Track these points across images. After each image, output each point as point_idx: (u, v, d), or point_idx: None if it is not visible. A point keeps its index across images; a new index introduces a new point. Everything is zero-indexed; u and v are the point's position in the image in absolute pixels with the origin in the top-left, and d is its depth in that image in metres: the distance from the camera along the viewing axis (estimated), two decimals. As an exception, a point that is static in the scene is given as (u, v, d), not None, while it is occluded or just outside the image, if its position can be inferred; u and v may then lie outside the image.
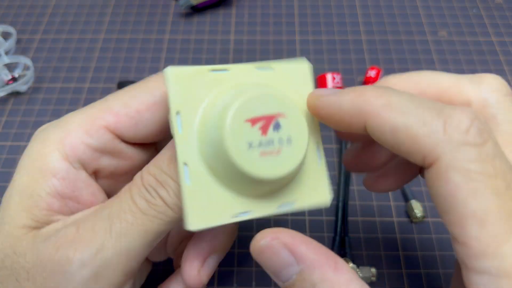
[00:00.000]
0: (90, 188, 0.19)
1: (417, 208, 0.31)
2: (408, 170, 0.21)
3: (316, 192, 0.19)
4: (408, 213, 0.32)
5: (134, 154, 0.20)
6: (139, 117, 0.19)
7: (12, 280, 0.17)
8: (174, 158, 0.17)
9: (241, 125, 0.17)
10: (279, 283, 0.16)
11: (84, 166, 0.19)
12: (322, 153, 0.20)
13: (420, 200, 0.32)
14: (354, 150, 0.22)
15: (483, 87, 0.17)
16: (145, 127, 0.19)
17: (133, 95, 0.19)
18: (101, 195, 0.20)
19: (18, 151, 0.35)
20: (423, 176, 0.22)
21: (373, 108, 0.15)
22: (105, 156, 0.19)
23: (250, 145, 0.17)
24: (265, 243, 0.16)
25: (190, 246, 0.20)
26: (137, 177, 0.18)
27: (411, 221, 0.31)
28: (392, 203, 0.32)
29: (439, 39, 0.43)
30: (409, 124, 0.14)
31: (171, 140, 0.17)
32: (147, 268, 0.24)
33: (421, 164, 0.15)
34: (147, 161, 0.19)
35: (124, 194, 0.18)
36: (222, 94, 0.18)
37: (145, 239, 0.17)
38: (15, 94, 0.39)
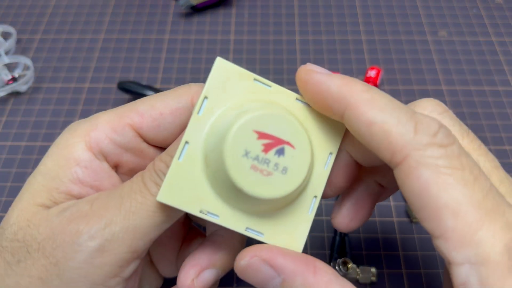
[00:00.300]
0: (111, 179, 0.20)
1: (417, 208, 0.31)
2: (376, 195, 0.21)
3: (290, 237, 0.19)
4: (408, 213, 0.32)
5: (154, 155, 0.21)
6: (162, 119, 0.20)
7: (23, 252, 0.18)
8: None
9: (249, 132, 0.17)
10: None
11: (106, 158, 0.20)
12: (316, 206, 0.19)
13: (420, 200, 0.32)
14: (340, 210, 0.21)
15: (418, 110, 0.18)
16: (166, 129, 0.20)
17: (160, 99, 0.20)
18: None
19: (18, 151, 0.35)
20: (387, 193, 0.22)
21: (356, 100, 0.16)
22: (127, 152, 0.21)
23: (246, 154, 0.17)
24: (245, 262, 0.17)
25: (189, 257, 0.21)
26: (150, 164, 0.19)
27: (411, 221, 0.31)
28: (392, 203, 0.32)
29: (439, 39, 0.43)
30: (385, 120, 0.15)
31: (185, 130, 0.18)
32: (158, 283, 0.25)
33: (388, 160, 0.16)
34: None
35: (136, 178, 0.19)
36: (252, 102, 0.18)
37: (153, 220, 0.18)
38: (15, 94, 0.39)
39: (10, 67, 0.41)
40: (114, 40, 0.43)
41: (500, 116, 0.37)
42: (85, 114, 0.37)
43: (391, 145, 0.15)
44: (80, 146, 0.19)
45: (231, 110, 0.18)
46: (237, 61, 0.41)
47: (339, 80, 0.17)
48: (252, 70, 0.41)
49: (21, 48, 0.43)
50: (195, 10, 0.46)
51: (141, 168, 0.20)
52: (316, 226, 0.31)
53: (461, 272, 0.14)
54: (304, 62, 0.41)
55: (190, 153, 0.17)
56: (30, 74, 0.39)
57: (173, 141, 0.20)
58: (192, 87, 0.21)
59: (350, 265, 0.27)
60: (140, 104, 0.20)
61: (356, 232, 0.31)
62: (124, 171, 0.21)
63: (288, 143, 0.17)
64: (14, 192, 0.33)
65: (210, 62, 0.41)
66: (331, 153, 0.19)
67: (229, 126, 0.17)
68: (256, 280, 0.17)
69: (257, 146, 0.17)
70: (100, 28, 0.44)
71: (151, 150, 0.21)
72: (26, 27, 0.45)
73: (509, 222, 0.14)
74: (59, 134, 0.21)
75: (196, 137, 0.17)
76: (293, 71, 0.40)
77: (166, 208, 0.18)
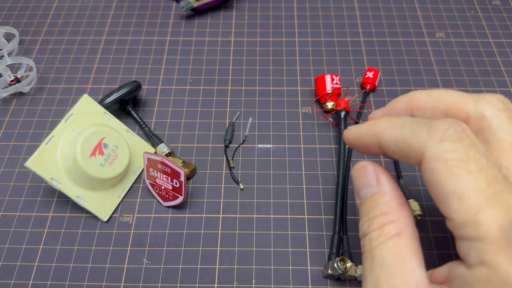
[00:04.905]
0: None
1: (415, 207, 0.31)
2: None
3: (104, 207, 0.32)
4: (406, 212, 0.32)
5: None
6: None
7: None
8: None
9: (89, 160, 0.30)
10: (357, 201, 0.21)
11: None
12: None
13: (418, 199, 0.32)
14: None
15: (481, 104, 0.20)
16: None
17: None
18: None
19: (21, 150, 0.36)
20: None
21: (382, 129, 0.20)
22: None
23: (102, 165, 0.31)
24: (362, 164, 0.21)
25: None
26: None
27: (409, 220, 0.32)
28: (390, 202, 0.33)
29: (437, 40, 0.43)
30: (404, 133, 0.19)
31: None
32: None
33: (418, 164, 0.18)
34: None
35: None
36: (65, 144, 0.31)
37: None
38: (18, 94, 0.40)
39: (13, 68, 0.42)
40: (116, 41, 0.44)
41: (497, 117, 0.38)
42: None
43: (413, 150, 0.18)
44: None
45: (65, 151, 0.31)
46: (237, 62, 0.42)
47: (367, 123, 0.21)
48: (252, 71, 0.41)
49: (23, 49, 0.43)
50: (196, 12, 0.46)
51: None
52: (315, 225, 0.32)
53: (464, 247, 0.17)
54: (303, 63, 0.42)
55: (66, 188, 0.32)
56: (33, 75, 0.39)
57: None
58: None
59: (349, 263, 0.28)
60: None
61: (355, 230, 0.31)
62: None
63: (102, 139, 0.31)
64: (16, 191, 0.34)
65: (211, 63, 0.42)
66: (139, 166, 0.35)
67: (79, 167, 0.30)
68: (359, 182, 0.21)
69: (99, 158, 0.31)
70: (102, 29, 0.45)
71: None
72: (28, 28, 0.45)
73: (509, 206, 0.16)
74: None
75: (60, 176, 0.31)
76: (293, 72, 0.41)
77: None
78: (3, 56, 0.41)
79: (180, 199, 0.31)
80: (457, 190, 0.16)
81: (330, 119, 0.37)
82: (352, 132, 0.22)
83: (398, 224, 0.19)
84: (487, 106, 0.20)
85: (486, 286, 0.16)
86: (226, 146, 0.36)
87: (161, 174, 0.31)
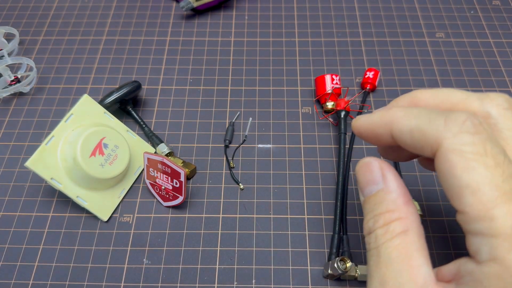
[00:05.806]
0: None
1: (415, 207, 0.31)
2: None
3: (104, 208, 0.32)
4: (406, 212, 0.32)
5: None
6: None
7: None
8: None
9: (89, 160, 0.30)
10: (361, 198, 0.21)
11: None
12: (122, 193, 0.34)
13: (418, 199, 0.32)
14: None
15: (486, 102, 0.20)
16: None
17: None
18: None
19: (21, 150, 0.36)
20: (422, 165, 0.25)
21: (396, 118, 0.20)
22: None
23: (102, 165, 0.31)
24: (366, 161, 0.21)
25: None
26: None
27: (409, 220, 0.32)
28: (390, 202, 0.33)
29: (437, 40, 0.43)
30: (420, 123, 0.18)
31: None
32: None
33: (432, 156, 0.18)
34: None
35: None
36: (66, 142, 0.31)
37: None
38: (18, 94, 0.40)
39: (13, 68, 0.42)
40: (116, 41, 0.44)
41: (497, 117, 0.38)
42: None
43: (429, 141, 0.18)
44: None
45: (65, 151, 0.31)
46: (237, 62, 0.42)
47: (378, 112, 0.21)
48: (252, 71, 0.41)
49: (23, 49, 0.43)
50: (196, 12, 0.46)
51: None
52: (315, 225, 0.32)
53: (475, 242, 0.16)
54: (303, 63, 0.42)
55: (65, 187, 0.31)
56: (33, 75, 0.39)
57: None
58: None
59: (349, 263, 0.28)
60: None
61: (355, 230, 0.31)
62: None
63: (102, 139, 0.31)
64: (16, 191, 0.34)
65: (211, 63, 0.42)
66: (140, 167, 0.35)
67: (79, 167, 0.30)
68: (363, 178, 0.20)
69: (99, 157, 0.31)
70: (102, 29, 0.45)
71: None
72: (28, 28, 0.45)
73: None
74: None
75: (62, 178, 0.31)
76: (293, 72, 0.41)
77: None
78: (3, 56, 0.41)
79: (180, 199, 0.31)
80: (472, 184, 0.16)
81: (330, 119, 0.37)
82: (363, 121, 0.22)
83: (404, 221, 0.19)
84: (492, 104, 0.20)
85: (497, 283, 0.15)
86: (226, 146, 0.36)
87: (161, 174, 0.31)
